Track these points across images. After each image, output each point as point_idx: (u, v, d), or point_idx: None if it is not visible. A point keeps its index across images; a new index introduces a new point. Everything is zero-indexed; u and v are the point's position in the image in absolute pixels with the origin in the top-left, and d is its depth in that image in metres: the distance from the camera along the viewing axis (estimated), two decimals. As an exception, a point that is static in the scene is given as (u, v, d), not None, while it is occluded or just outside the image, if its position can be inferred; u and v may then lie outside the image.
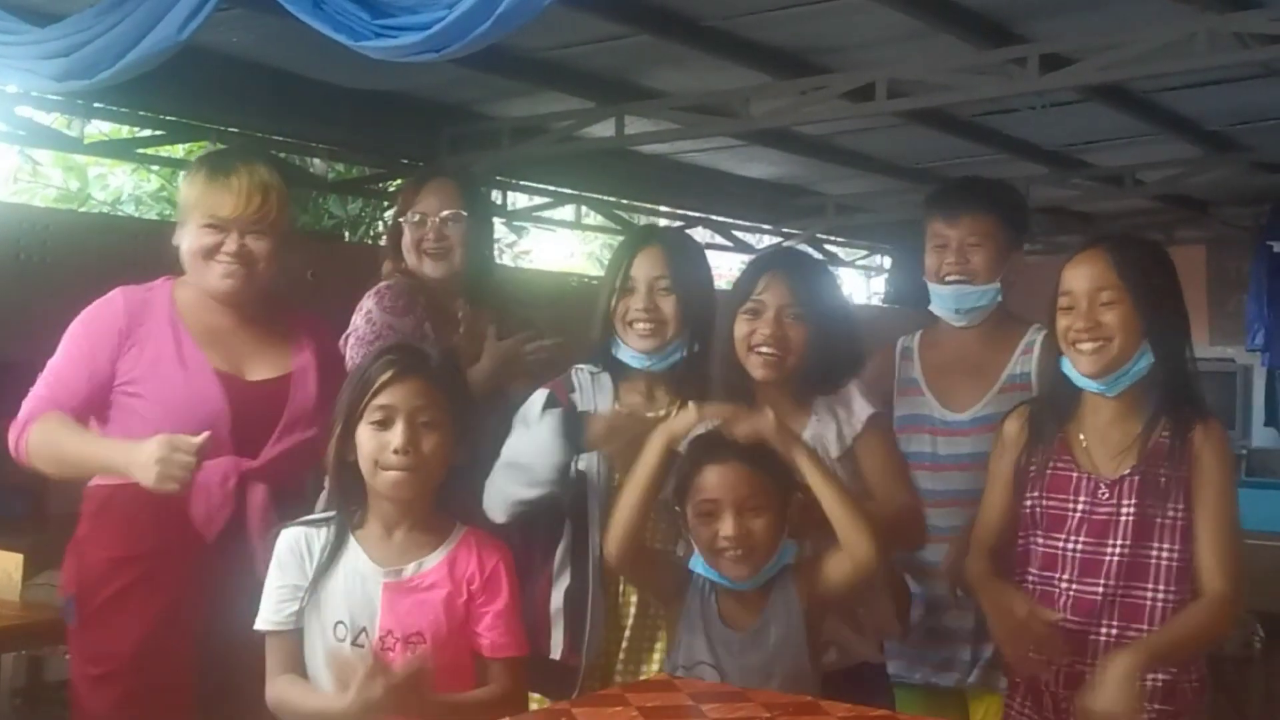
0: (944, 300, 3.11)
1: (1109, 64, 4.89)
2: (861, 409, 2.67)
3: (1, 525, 4.86)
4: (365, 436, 2.33)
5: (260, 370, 2.85)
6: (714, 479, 2.43)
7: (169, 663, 2.74)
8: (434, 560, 2.37)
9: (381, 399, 2.33)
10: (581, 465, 2.70)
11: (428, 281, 3.33)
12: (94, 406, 2.79)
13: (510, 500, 2.66)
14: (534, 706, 2.66)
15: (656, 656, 2.65)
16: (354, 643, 2.32)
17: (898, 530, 2.63)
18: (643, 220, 8.64)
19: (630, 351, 2.76)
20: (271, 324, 2.93)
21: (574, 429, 2.65)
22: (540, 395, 2.76)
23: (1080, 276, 2.51)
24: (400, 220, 3.34)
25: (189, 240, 2.83)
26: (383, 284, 3.31)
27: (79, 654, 2.85)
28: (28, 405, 2.77)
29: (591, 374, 2.82)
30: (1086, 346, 2.48)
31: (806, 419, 2.69)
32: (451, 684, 2.34)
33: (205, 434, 2.56)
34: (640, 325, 2.74)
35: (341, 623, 2.33)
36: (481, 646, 2.38)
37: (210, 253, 2.80)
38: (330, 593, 2.35)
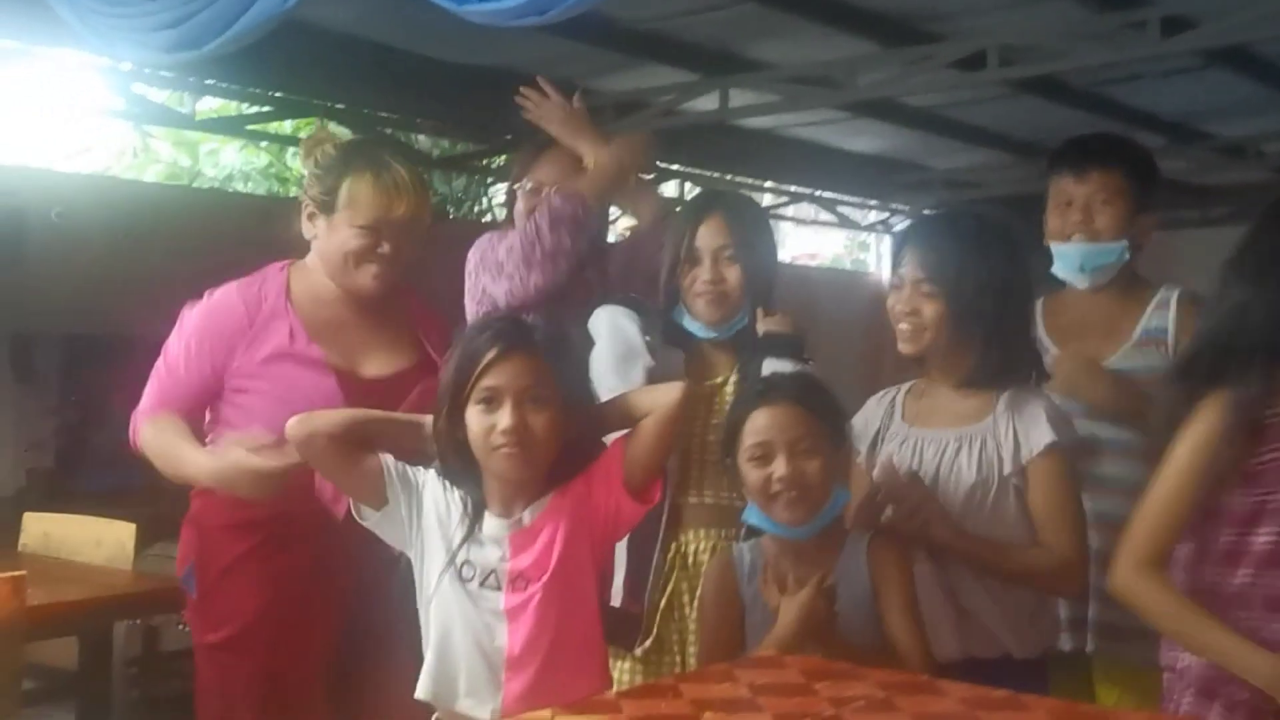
0: (1068, 260, 3.00)
1: (1234, 26, 4.71)
2: (1041, 434, 2.51)
3: (116, 497, 4.97)
4: (474, 417, 2.28)
5: (376, 366, 2.82)
6: (765, 421, 2.39)
7: (293, 630, 2.72)
8: (547, 501, 2.33)
9: (487, 380, 2.26)
10: None
11: None
12: (206, 403, 2.81)
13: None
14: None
15: None
16: (483, 584, 2.30)
17: (1053, 582, 2.55)
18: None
19: (697, 323, 2.76)
20: (387, 314, 2.88)
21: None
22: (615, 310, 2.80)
23: None
24: (515, 187, 3.26)
25: (339, 240, 2.77)
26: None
27: (199, 623, 2.83)
28: (145, 400, 2.81)
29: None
30: None
31: (987, 413, 2.57)
32: (577, 615, 2.31)
33: (258, 435, 2.57)
34: (707, 296, 2.74)
35: (469, 563, 2.30)
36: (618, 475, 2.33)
37: (363, 256, 2.76)
38: (462, 551, 2.32)
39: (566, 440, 2.33)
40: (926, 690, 1.92)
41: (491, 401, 2.27)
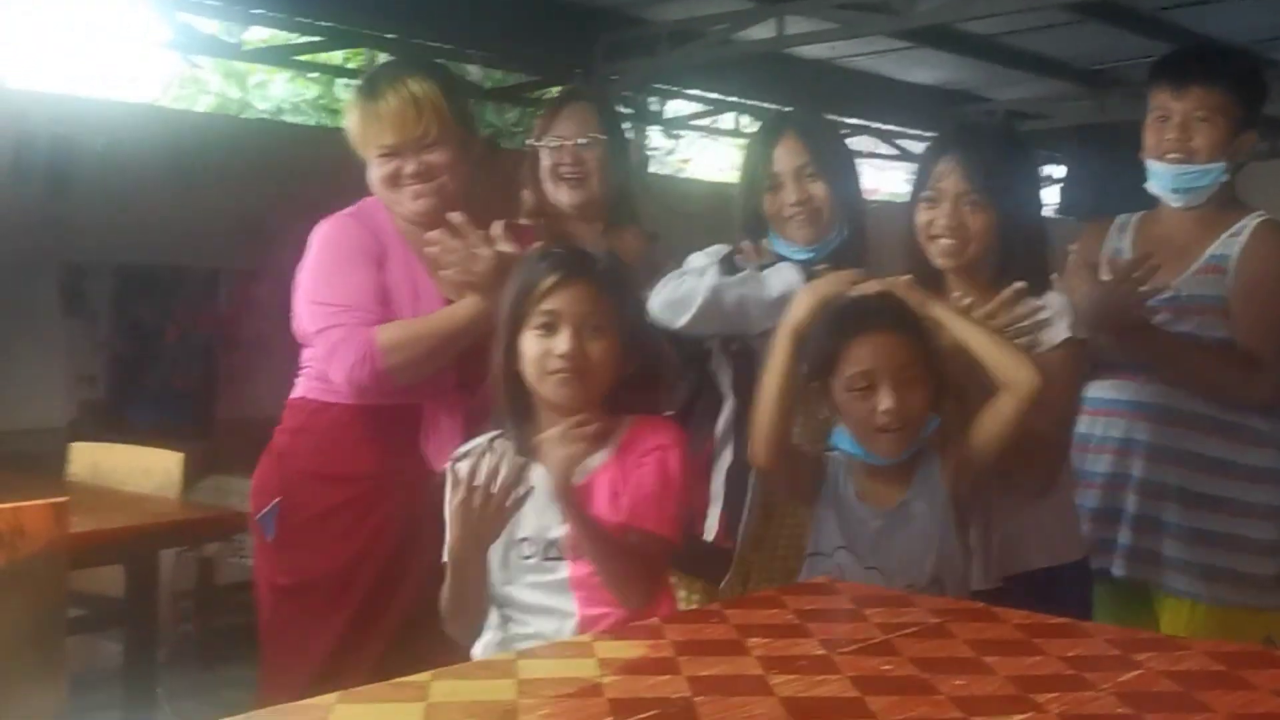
0: (1160, 179, 2.90)
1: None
2: (1060, 329, 2.46)
3: (168, 430, 4.99)
4: (530, 342, 2.22)
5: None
6: (868, 350, 2.29)
7: (369, 587, 2.70)
8: (602, 456, 2.24)
9: (546, 304, 2.20)
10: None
11: (562, 209, 3.17)
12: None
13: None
14: (681, 592, 2.61)
15: None
16: (545, 558, 2.22)
17: (1022, 459, 2.41)
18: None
19: (790, 246, 2.70)
20: None
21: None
22: (721, 249, 2.74)
23: None
24: (535, 145, 3.16)
25: (372, 173, 2.77)
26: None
27: (273, 564, 2.78)
28: (354, 339, 2.63)
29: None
30: None
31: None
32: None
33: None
34: (799, 218, 2.68)
35: (527, 539, 2.23)
36: (624, 516, 2.21)
37: (394, 180, 2.73)
38: (520, 528, 2.22)
39: (622, 375, 2.25)
40: (982, 617, 1.85)
41: (550, 327, 2.20)
